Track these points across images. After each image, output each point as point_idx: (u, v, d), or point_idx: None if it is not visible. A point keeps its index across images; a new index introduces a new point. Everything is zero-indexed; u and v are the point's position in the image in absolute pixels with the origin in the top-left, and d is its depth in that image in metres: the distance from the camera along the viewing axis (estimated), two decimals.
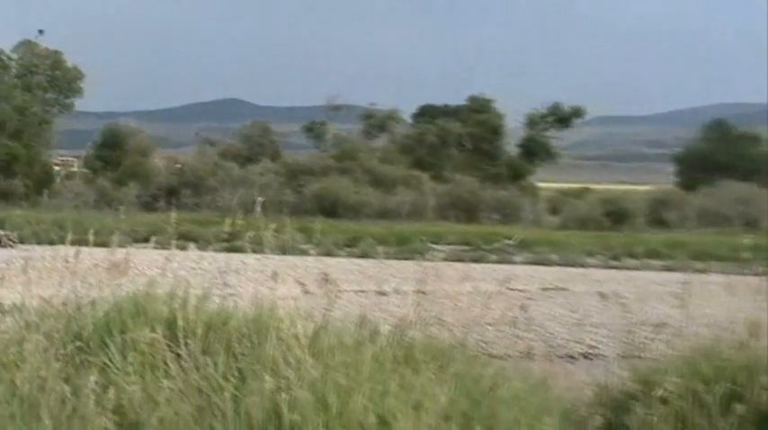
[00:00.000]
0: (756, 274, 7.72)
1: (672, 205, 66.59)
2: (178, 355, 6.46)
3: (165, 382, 6.19)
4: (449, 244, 42.99)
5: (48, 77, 61.53)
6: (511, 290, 26.31)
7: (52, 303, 7.34)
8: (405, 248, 38.37)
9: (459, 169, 66.33)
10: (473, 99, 75.51)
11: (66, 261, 7.43)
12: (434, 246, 37.92)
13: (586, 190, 79.40)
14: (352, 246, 40.44)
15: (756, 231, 61.37)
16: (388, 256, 36.51)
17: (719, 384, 6.51)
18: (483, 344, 10.96)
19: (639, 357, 8.09)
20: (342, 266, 31.10)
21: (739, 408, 6.32)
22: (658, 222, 62.75)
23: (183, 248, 9.93)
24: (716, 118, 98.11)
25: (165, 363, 6.38)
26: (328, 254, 36.61)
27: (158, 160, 63.83)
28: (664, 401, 6.56)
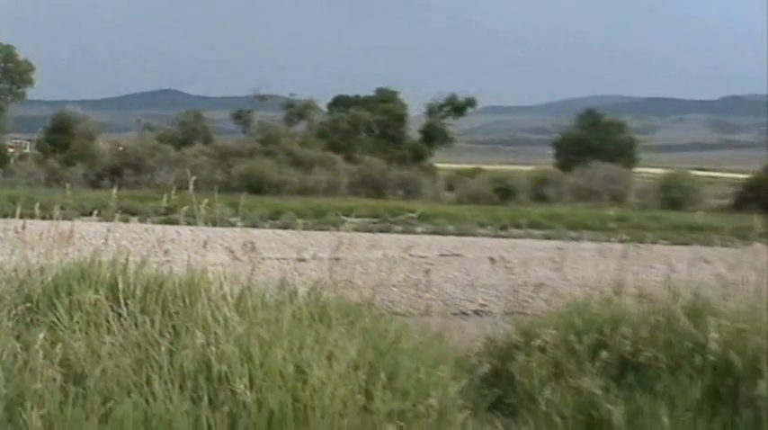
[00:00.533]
0: (621, 241, 7.82)
1: (551, 183, 67.51)
2: (119, 315, 6.37)
3: (108, 338, 6.11)
4: (359, 217, 42.92)
5: (1, 69, 60.20)
6: (413, 256, 26.38)
7: (4, 269, 7.18)
8: (321, 221, 38.24)
9: (368, 152, 66.57)
10: (380, 90, 75.78)
11: (17, 232, 7.26)
12: (347, 218, 37.84)
13: (478, 170, 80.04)
14: (275, 219, 40.19)
15: (621, 205, 62.68)
16: (306, 228, 36.39)
17: (589, 335, 6.61)
18: (389, 304, 11.00)
19: (522, 313, 8.17)
20: (266, 236, 30.88)
21: (604, 355, 6.44)
22: (539, 197, 63.58)
23: (124, 221, 9.78)
24: (588, 108, 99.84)
25: (108, 322, 6.29)
26: (254, 226, 36.36)
27: (103, 144, 62.93)
28: (542, 350, 6.66)
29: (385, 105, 73.29)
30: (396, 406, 5.72)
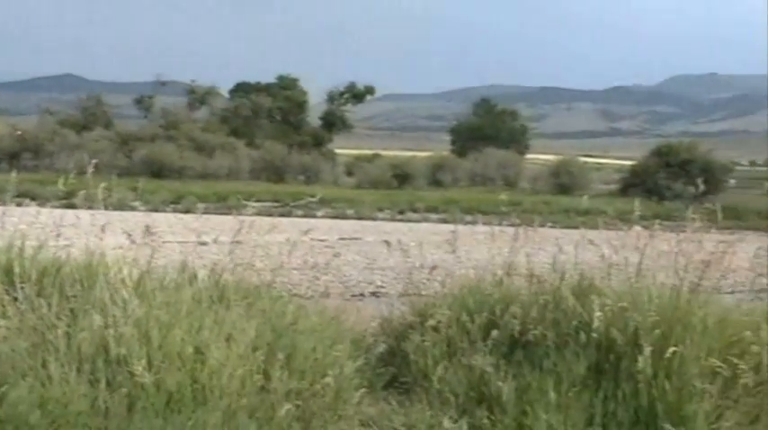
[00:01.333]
0: (512, 225, 7.94)
1: (447, 169, 68.23)
2: (15, 299, 6.21)
3: (2, 322, 5.95)
4: (261, 201, 42.70)
5: None
6: (313, 240, 26.43)
7: None
8: (223, 205, 37.95)
9: (269, 137, 66.31)
10: (281, 78, 75.52)
11: None
12: (248, 202, 37.61)
13: (377, 156, 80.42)
14: (177, 203, 39.75)
15: (514, 190, 63.68)
16: (208, 212, 35.98)
17: (480, 315, 6.70)
18: (290, 286, 10.96)
19: (418, 295, 8.22)
20: (167, 221, 30.47)
21: (495, 334, 6.54)
22: (436, 183, 64.24)
23: (23, 205, 9.51)
24: (483, 96, 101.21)
25: (3, 306, 6.13)
26: (155, 210, 35.93)
27: (0, 127, 60.99)
28: (435, 330, 6.73)
29: (286, 92, 73.05)
30: (293, 385, 5.72)
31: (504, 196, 9.35)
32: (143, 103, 71.05)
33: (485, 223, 8.71)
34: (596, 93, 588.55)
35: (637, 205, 7.49)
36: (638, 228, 7.14)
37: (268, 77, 77.61)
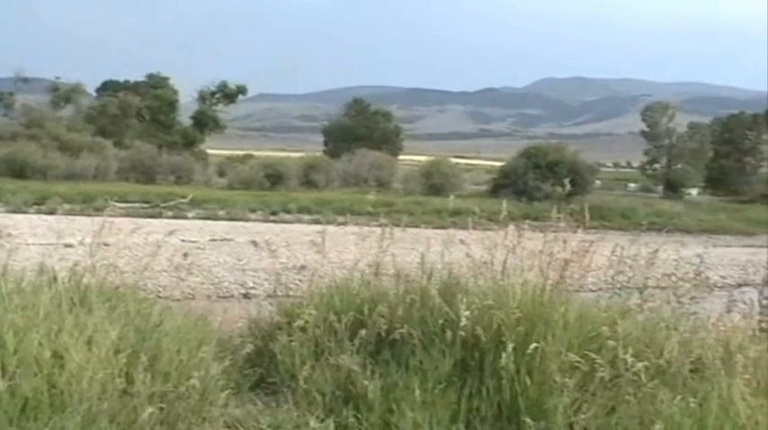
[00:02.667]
0: (382, 225, 8.00)
1: (320, 169, 68.29)
2: None
3: None
4: (129, 202, 41.97)
5: None
6: (183, 241, 26.11)
7: None
8: (89, 206, 37.11)
9: (138, 137, 65.14)
10: (151, 76, 74.27)
11: None
12: (117, 203, 36.90)
13: (249, 156, 79.92)
14: (41, 204, 38.52)
15: (387, 191, 64.16)
16: (74, 213, 35.18)
17: (348, 314, 6.74)
18: (159, 289, 10.80)
19: (287, 295, 8.22)
20: (30, 222, 29.58)
21: (363, 333, 6.59)
22: (309, 183, 64.26)
23: None
24: (356, 97, 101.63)
25: None
26: (17, 211, 34.84)
27: None
28: (303, 330, 6.73)
29: (155, 91, 71.82)
30: (157, 388, 5.63)
31: (371, 196, 9.40)
32: (2, 100, 68.58)
33: (357, 223, 8.74)
34: (468, 95, 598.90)
35: (504, 205, 7.66)
36: (511, 226, 7.30)
37: (137, 75, 76.31)
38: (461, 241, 7.74)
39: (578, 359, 6.06)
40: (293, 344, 6.66)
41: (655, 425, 5.38)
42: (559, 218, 7.34)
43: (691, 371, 6.39)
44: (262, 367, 6.85)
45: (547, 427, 5.74)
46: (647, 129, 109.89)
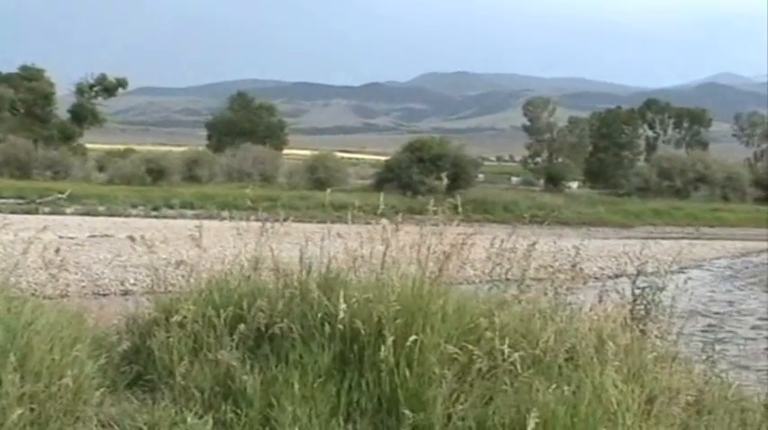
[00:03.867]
0: (264, 220, 7.96)
1: (203, 164, 67.68)
2: None
3: None
4: (3, 198, 40.76)
5: None
6: (62, 237, 25.47)
7: None
8: None
9: (12, 131, 63.20)
10: (25, 68, 72.20)
11: None
12: None
13: (130, 151, 78.65)
14: None
15: (270, 185, 63.87)
16: None
17: (227, 309, 6.69)
18: (34, 287, 10.49)
19: (166, 291, 8.11)
20: None
21: (242, 328, 6.55)
22: (192, 178, 63.60)
23: None
24: (239, 91, 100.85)
25: None
26: None
27: None
28: (181, 326, 6.65)
29: (30, 83, 69.79)
30: (27, 388, 5.47)
31: (249, 190, 9.30)
32: None
33: (240, 218, 8.67)
34: (352, 89, 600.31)
35: (381, 199, 7.71)
36: (384, 220, 7.35)
37: (10, 67, 73.99)
38: (338, 235, 7.77)
39: (457, 350, 6.16)
40: (171, 340, 6.57)
41: (530, 413, 5.48)
42: (436, 211, 7.44)
43: (566, 359, 6.56)
44: (139, 364, 6.75)
45: (426, 418, 5.81)
46: (528, 124, 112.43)
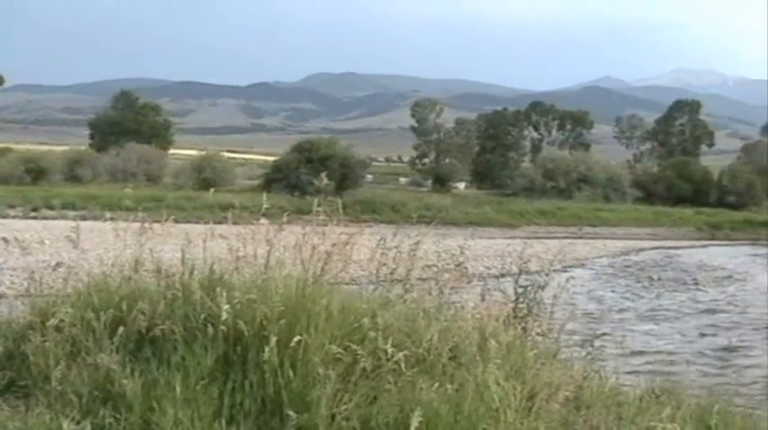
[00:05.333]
0: (145, 220, 7.83)
1: (86, 164, 66.26)
2: None
3: None
4: None
5: None
6: None
7: None
8: None
9: None
10: None
11: None
12: None
13: (8, 150, 76.39)
14: None
15: (156, 185, 62.93)
16: None
17: (107, 312, 6.55)
18: None
19: (42, 294, 7.88)
20: None
21: (122, 331, 6.42)
22: (74, 178, 62.21)
23: None
24: (123, 89, 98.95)
25: None
26: None
27: None
28: (58, 329, 6.48)
29: None
30: None
31: (129, 190, 9.14)
32: None
33: (122, 219, 8.50)
34: (240, 88, 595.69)
35: (264, 198, 7.67)
36: (264, 220, 7.32)
37: None
38: (221, 236, 7.69)
39: (341, 351, 6.16)
40: (47, 344, 6.39)
41: (414, 412, 5.53)
42: (319, 211, 7.44)
43: (449, 358, 6.64)
44: (12, 370, 6.54)
45: (310, 419, 5.80)
46: (416, 125, 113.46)
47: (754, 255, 57.85)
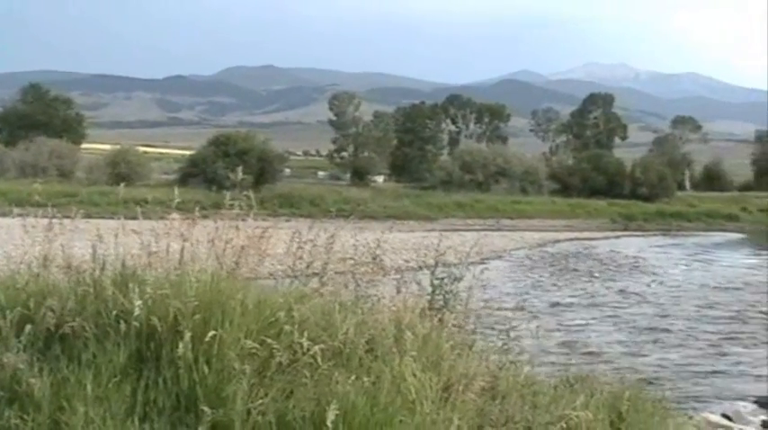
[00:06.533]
0: (53, 216, 7.65)
1: None
2: None
3: None
4: None
5: None
6: None
7: None
8: None
9: None
10: None
11: None
12: None
13: None
14: None
15: (68, 180, 61.65)
16: None
17: (13, 310, 6.39)
18: None
19: None
20: None
21: (29, 328, 6.27)
22: None
23: None
24: (32, 82, 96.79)
25: None
26: None
27: None
28: None
29: None
30: None
31: (38, 185, 8.91)
32: None
33: (35, 216, 8.31)
34: (155, 82, 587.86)
35: (176, 193, 7.58)
36: (175, 215, 7.24)
37: None
38: (134, 231, 7.58)
39: (256, 345, 6.13)
40: None
41: (330, 405, 5.53)
42: (233, 205, 7.39)
43: (366, 351, 6.65)
44: None
45: (225, 415, 5.75)
46: (334, 119, 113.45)
47: (665, 245, 59.35)
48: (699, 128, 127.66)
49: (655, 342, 21.79)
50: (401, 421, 5.87)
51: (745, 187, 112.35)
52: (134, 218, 7.99)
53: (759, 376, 18.05)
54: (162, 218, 7.58)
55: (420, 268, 21.61)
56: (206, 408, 5.70)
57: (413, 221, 64.61)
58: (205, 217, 7.53)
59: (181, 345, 5.96)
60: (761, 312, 27.68)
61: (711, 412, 13.74)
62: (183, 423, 5.83)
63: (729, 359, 20.01)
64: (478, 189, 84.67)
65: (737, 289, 34.94)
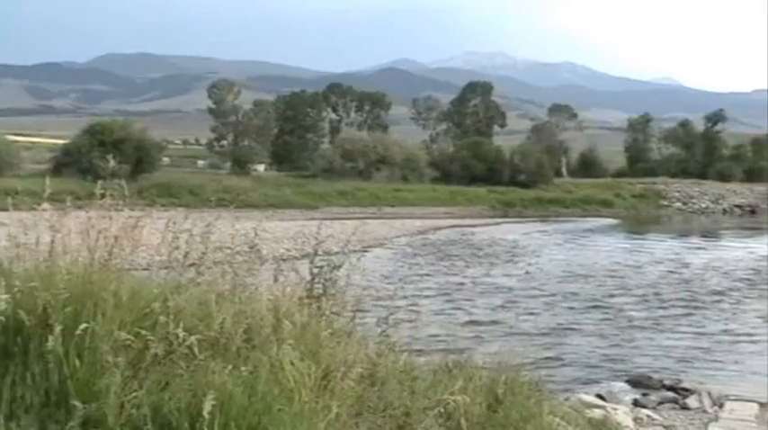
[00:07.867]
0: None
1: None
2: None
3: None
4: None
5: None
6: None
7: None
8: None
9: None
10: None
11: None
12: None
13: None
14: None
15: None
16: None
17: None
18: None
19: None
20: None
21: None
22: None
23: None
24: None
25: None
26: None
27: None
28: None
29: None
30: None
31: None
32: None
33: None
34: (25, 68, 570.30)
35: (47, 183, 7.37)
36: (46, 205, 7.03)
37: None
38: (1, 223, 7.33)
39: (130, 337, 6.01)
40: None
41: (207, 396, 5.48)
42: (104, 194, 7.23)
43: (244, 340, 6.60)
44: None
45: (98, 409, 5.63)
46: (213, 107, 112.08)
47: (543, 231, 60.77)
48: (575, 116, 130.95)
49: (531, 322, 22.30)
50: (279, 410, 5.86)
51: (620, 173, 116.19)
52: (3, 209, 7.74)
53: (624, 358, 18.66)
54: (32, 209, 7.35)
55: (301, 257, 21.59)
56: (77, 403, 5.57)
57: (294, 210, 64.44)
58: (79, 208, 7.34)
59: (50, 339, 5.80)
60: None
61: (586, 393, 14.14)
62: (53, 419, 5.68)
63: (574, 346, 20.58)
64: (360, 177, 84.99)
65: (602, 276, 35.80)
